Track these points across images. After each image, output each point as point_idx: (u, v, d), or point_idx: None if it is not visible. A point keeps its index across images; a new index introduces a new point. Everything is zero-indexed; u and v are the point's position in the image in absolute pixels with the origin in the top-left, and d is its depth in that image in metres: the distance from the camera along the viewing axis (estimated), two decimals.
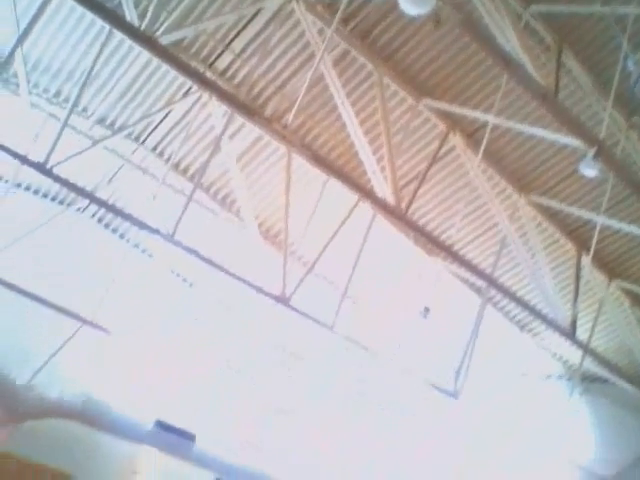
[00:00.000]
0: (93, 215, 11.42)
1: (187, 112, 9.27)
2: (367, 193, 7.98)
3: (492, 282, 9.40)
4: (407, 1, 7.04)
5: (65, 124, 7.29)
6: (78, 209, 10.98)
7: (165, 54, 6.61)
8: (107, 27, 7.61)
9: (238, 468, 11.56)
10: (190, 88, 8.93)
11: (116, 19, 6.27)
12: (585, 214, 9.84)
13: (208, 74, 8.44)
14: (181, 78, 8.75)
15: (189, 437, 11.47)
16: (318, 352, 13.07)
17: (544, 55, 7.79)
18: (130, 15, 6.67)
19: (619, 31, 7.35)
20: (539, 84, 6.50)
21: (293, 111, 7.32)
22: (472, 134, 9.35)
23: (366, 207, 9.88)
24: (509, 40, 6.67)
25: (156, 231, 8.34)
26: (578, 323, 10.10)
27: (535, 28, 7.91)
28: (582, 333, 10.33)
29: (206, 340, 12.10)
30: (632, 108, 8.76)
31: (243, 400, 12.31)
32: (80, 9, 7.58)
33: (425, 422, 13.47)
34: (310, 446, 12.52)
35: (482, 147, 8.76)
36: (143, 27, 6.68)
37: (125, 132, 9.45)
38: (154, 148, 9.92)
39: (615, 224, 9.56)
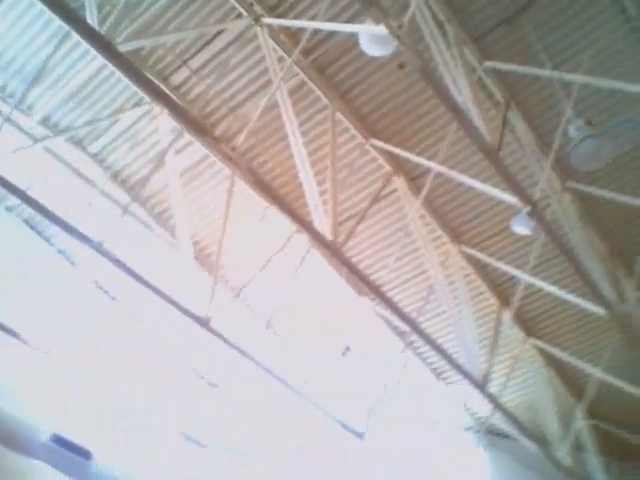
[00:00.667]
0: (19, 215, 10.96)
1: (135, 123, 9.10)
2: (306, 225, 7.97)
3: (415, 327, 9.52)
4: (368, 41, 7.30)
5: (6, 120, 7.04)
6: (7, 208, 10.53)
7: (122, 62, 6.49)
8: (65, 27, 7.52)
9: None
10: (142, 99, 8.79)
11: (76, 21, 6.11)
12: (512, 270, 10.18)
13: (162, 87, 8.34)
14: (133, 88, 8.61)
15: (85, 454, 10.86)
16: (233, 381, 12.85)
17: (493, 110, 8.14)
18: (91, 18, 6.53)
19: (564, 96, 7.77)
20: (485, 138, 6.75)
21: (243, 134, 7.33)
22: (415, 179, 9.61)
23: (302, 239, 9.97)
24: (461, 92, 6.92)
25: (85, 238, 8.04)
26: (492, 377, 10.31)
27: (487, 83, 8.28)
28: (494, 387, 10.59)
29: (119, 357, 11.67)
30: (568, 173, 9.23)
31: (149, 422, 11.87)
32: (40, 6, 7.38)
33: (332, 463, 13.38)
34: (216, 475, 12.16)
35: (423, 193, 9.02)
36: (103, 32, 6.55)
37: (68, 135, 9.17)
38: (96, 155, 9.66)
39: (538, 283, 9.92)
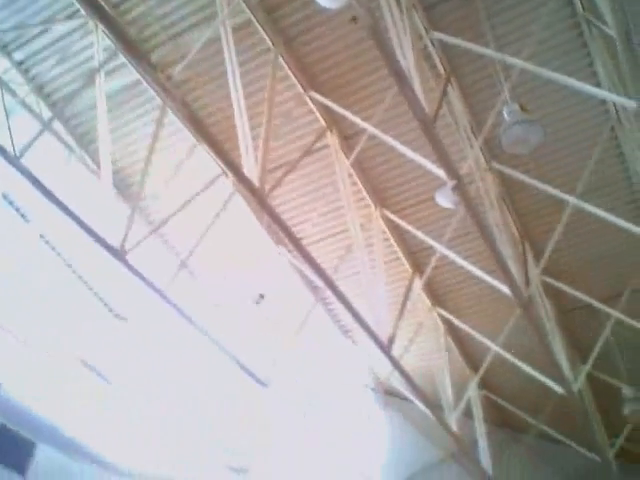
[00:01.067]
0: None
1: (66, 35, 8.59)
2: (233, 167, 7.83)
3: (330, 284, 9.63)
4: None
5: None
6: None
7: None
8: None
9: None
10: (77, 11, 8.30)
11: None
12: (428, 240, 10.43)
13: (100, 2, 7.88)
14: None
15: None
16: (143, 316, 12.68)
17: (434, 81, 8.19)
18: None
19: (504, 78, 7.91)
20: (423, 107, 6.79)
21: (181, 65, 7.08)
22: (348, 138, 9.62)
23: (227, 182, 9.83)
24: (406, 57, 6.90)
25: (1, 149, 7.63)
26: (395, 341, 10.63)
27: (431, 53, 8.31)
28: (396, 350, 10.92)
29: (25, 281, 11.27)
30: (494, 154, 9.47)
31: (51, 351, 11.61)
32: None
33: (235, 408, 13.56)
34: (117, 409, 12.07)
35: (354, 153, 9.06)
36: None
37: None
38: (21, 63, 9.08)
39: (452, 255, 10.23)
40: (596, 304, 10.94)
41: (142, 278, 8.80)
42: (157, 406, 12.49)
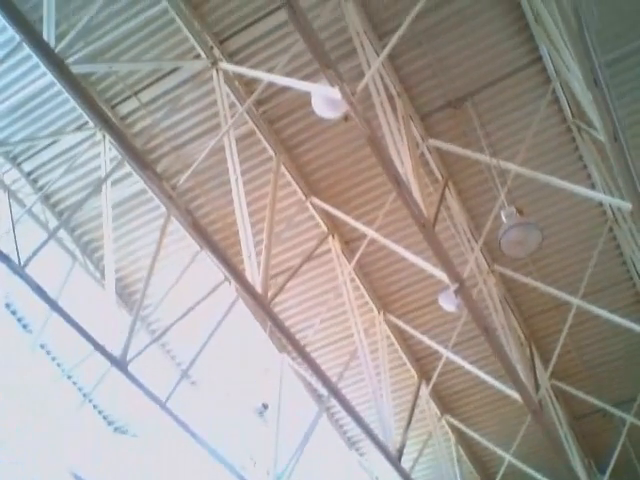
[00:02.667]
0: None
1: (74, 146, 8.90)
2: (236, 274, 7.84)
3: (335, 392, 9.39)
4: (320, 102, 7.46)
5: None
6: None
7: (72, 83, 6.35)
8: (18, 38, 7.39)
9: None
10: (86, 123, 8.65)
11: (31, 34, 5.98)
12: (434, 345, 10.28)
13: (109, 115, 8.22)
14: (78, 110, 8.48)
15: None
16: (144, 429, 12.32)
17: (431, 186, 8.38)
18: (48, 34, 6.42)
19: (500, 183, 8.09)
20: (422, 211, 6.90)
21: (186, 174, 7.26)
22: (349, 242, 9.72)
23: (230, 289, 9.82)
24: (404, 164, 7.09)
25: (6, 258, 7.67)
26: (405, 451, 10.25)
27: (428, 160, 8.55)
28: (406, 462, 10.50)
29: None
30: (495, 256, 9.52)
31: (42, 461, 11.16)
32: None
33: None
34: None
35: (356, 257, 9.12)
36: (57, 50, 6.43)
37: (3, 149, 8.89)
38: (29, 173, 9.36)
39: (458, 360, 10.05)
40: (609, 409, 10.61)
41: (143, 389, 8.58)
42: None
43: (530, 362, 10.42)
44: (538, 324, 10.59)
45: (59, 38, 6.45)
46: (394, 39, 6.26)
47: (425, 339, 10.33)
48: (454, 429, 11.84)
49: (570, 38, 5.47)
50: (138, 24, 7.76)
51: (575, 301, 9.28)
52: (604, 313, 9.22)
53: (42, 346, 11.70)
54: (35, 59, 7.76)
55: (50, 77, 7.95)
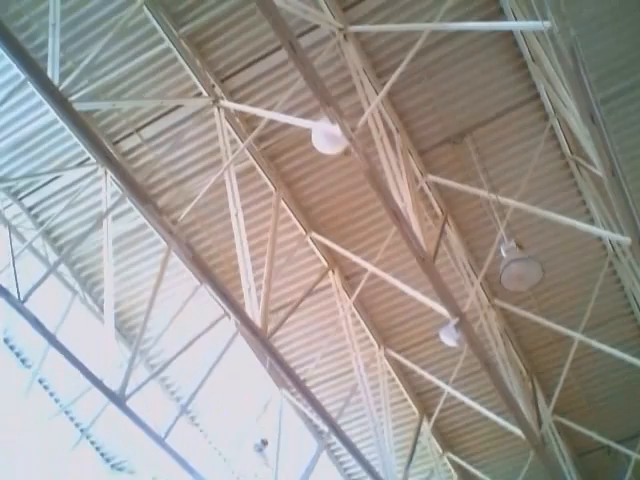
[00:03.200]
0: None
1: (76, 182, 8.96)
2: (236, 309, 7.83)
3: (336, 429, 9.29)
4: (320, 138, 7.53)
5: None
6: None
7: (76, 121, 6.42)
8: (22, 76, 7.49)
9: None
10: (88, 159, 8.72)
11: (36, 72, 6.06)
12: (435, 380, 10.20)
13: (111, 151, 8.29)
14: (80, 146, 8.57)
15: None
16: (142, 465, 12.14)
17: (431, 220, 8.42)
18: (52, 72, 6.51)
19: (499, 217, 8.13)
20: (421, 246, 6.91)
21: (187, 209, 7.30)
22: (349, 277, 9.73)
23: (230, 323, 9.78)
24: (403, 199, 7.13)
25: (5, 292, 7.66)
26: None
27: (428, 194, 8.60)
28: None
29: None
30: (496, 290, 9.51)
31: None
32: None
33: None
34: None
35: (356, 292, 9.11)
36: (61, 88, 6.52)
37: (4, 185, 8.95)
38: (30, 208, 9.41)
39: (460, 396, 9.95)
40: (613, 445, 10.49)
41: (142, 425, 8.48)
42: None
43: (532, 397, 10.33)
44: (539, 358, 10.53)
45: (63, 76, 6.52)
46: (394, 77, 6.33)
47: (426, 374, 10.26)
48: (456, 466, 11.66)
49: (566, 76, 5.54)
50: (141, 62, 7.88)
51: (577, 335, 9.24)
52: (606, 347, 9.17)
53: (40, 381, 11.62)
54: (38, 96, 7.86)
55: (53, 114, 8.05)
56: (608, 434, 10.58)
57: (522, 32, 7.59)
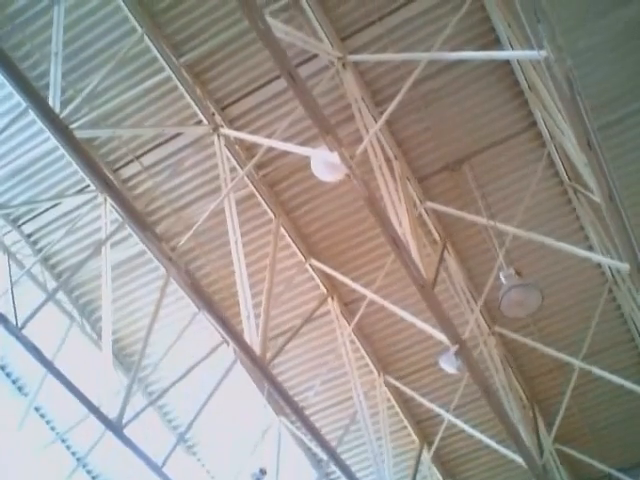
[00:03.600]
0: None
1: (75, 209, 8.97)
2: (235, 335, 7.79)
3: (335, 457, 9.18)
4: (320, 166, 7.59)
5: None
6: None
7: (76, 148, 6.45)
8: (24, 104, 7.55)
9: None
10: (87, 186, 8.75)
11: (37, 100, 6.11)
12: (435, 408, 10.12)
13: (111, 178, 8.32)
14: (80, 174, 8.60)
15: None
16: None
17: (430, 247, 8.42)
18: (53, 100, 6.57)
19: (498, 244, 8.14)
20: (421, 272, 6.91)
21: (187, 236, 7.31)
22: (348, 304, 9.70)
23: (229, 350, 9.73)
24: (402, 226, 7.14)
25: (4, 319, 7.62)
26: None
27: (426, 221, 8.62)
28: None
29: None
30: (496, 317, 9.48)
31: None
32: (1, 78, 7.41)
33: None
34: None
35: (355, 318, 9.09)
36: (62, 116, 6.57)
37: (4, 211, 8.97)
38: (29, 235, 9.41)
39: (460, 424, 9.87)
40: (615, 474, 10.36)
41: (139, 453, 8.39)
42: None
43: (533, 424, 10.25)
44: (540, 385, 10.46)
45: (64, 104, 6.60)
46: (392, 105, 6.39)
47: (426, 402, 10.18)
48: None
49: (563, 103, 5.60)
50: (141, 91, 7.97)
51: (577, 362, 9.19)
52: (606, 374, 9.11)
53: (37, 409, 11.52)
54: (39, 124, 7.91)
55: (53, 141, 8.11)
56: (610, 462, 10.45)
57: (519, 61, 7.68)
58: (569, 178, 8.52)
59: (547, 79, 5.92)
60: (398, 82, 7.79)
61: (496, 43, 7.62)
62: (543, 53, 5.25)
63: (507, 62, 7.84)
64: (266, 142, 7.40)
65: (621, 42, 7.52)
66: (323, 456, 10.12)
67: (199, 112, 8.05)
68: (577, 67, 5.30)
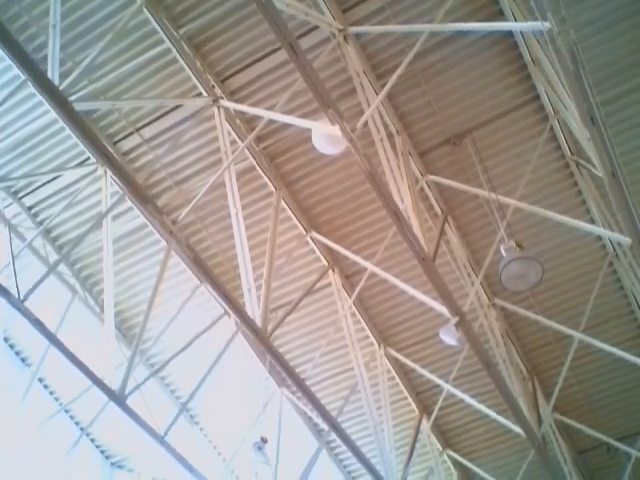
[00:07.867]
0: None
1: (76, 182, 8.96)
2: (236, 308, 7.85)
3: (336, 426, 9.31)
4: (321, 139, 7.55)
5: None
6: None
7: (76, 121, 6.42)
8: (22, 77, 7.49)
9: None
10: (87, 159, 8.72)
11: (36, 73, 6.06)
12: (435, 379, 10.22)
13: (111, 151, 8.29)
14: (80, 146, 8.57)
15: None
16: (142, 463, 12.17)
17: (431, 220, 8.42)
18: (52, 73, 6.50)
19: (499, 217, 8.13)
20: (421, 246, 6.92)
21: (187, 209, 7.30)
22: (349, 276, 9.73)
23: (230, 323, 9.80)
24: (403, 200, 7.14)
25: (5, 292, 7.66)
26: None
27: (428, 195, 8.60)
28: None
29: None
30: (495, 290, 9.52)
31: None
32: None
33: None
34: None
35: (356, 291, 9.12)
36: (61, 88, 6.51)
37: (5, 184, 8.95)
38: (30, 208, 9.41)
39: (460, 394, 9.97)
40: (613, 443, 10.52)
41: (141, 424, 8.50)
42: None
43: (532, 396, 10.35)
44: (539, 358, 10.53)
45: (63, 76, 6.52)
46: (393, 79, 6.33)
47: (426, 373, 10.28)
48: (456, 464, 11.69)
49: (566, 78, 5.54)
50: (141, 63, 7.88)
51: (576, 335, 9.25)
52: (606, 346, 9.18)
53: (40, 380, 11.64)
54: (38, 97, 7.86)
55: (53, 114, 8.05)
56: (608, 432, 10.61)
57: (522, 34, 7.58)
58: (571, 152, 8.47)
59: (550, 52, 5.86)
60: (400, 55, 7.71)
61: (499, 15, 7.51)
62: (547, 25, 5.18)
63: (510, 35, 7.73)
64: (267, 114, 7.35)
65: (625, 15, 7.41)
66: (324, 426, 10.26)
67: (199, 84, 7.98)
68: (580, 40, 5.23)
